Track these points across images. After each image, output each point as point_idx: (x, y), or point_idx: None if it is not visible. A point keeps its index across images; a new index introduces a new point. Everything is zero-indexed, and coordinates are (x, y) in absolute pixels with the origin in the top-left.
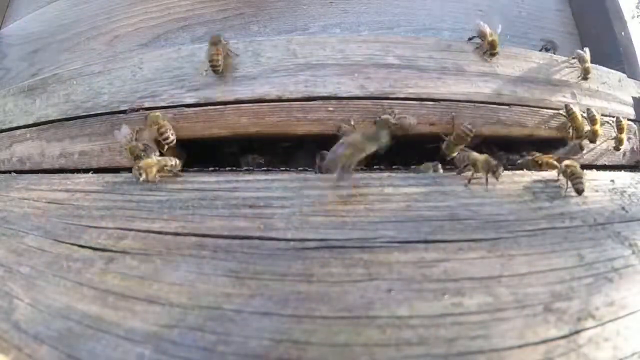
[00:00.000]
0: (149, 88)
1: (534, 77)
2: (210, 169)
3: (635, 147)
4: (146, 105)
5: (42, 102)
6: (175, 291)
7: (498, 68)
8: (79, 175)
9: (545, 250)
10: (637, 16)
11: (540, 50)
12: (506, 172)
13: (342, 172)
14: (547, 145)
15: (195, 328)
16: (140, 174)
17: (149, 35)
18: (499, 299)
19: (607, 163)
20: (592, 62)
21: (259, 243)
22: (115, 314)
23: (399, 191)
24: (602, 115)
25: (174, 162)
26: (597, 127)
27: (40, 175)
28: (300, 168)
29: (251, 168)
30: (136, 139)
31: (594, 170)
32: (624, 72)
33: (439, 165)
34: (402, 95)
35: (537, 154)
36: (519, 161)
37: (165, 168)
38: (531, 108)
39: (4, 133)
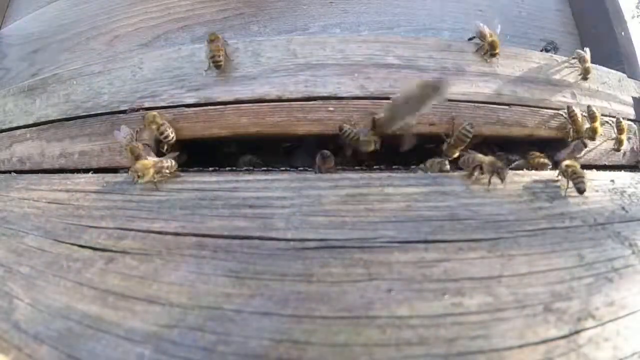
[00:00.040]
0: (149, 88)
1: (534, 77)
2: (210, 169)
3: (635, 147)
4: (146, 105)
5: (42, 102)
6: (175, 291)
7: (498, 68)
8: (79, 175)
9: (545, 250)
10: (637, 16)
11: (541, 51)
12: None
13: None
14: (547, 145)
15: (195, 328)
16: (139, 176)
17: (149, 35)
18: (499, 299)
19: (607, 163)
20: (592, 62)
21: (259, 243)
22: (115, 314)
23: (399, 191)
24: (602, 115)
25: (169, 162)
26: (597, 124)
27: (40, 175)
28: (300, 168)
29: (251, 168)
30: (136, 139)
31: (594, 170)
32: (624, 72)
33: (446, 162)
34: None
35: (537, 154)
36: (512, 165)
37: (162, 169)
38: (531, 108)
39: (4, 133)
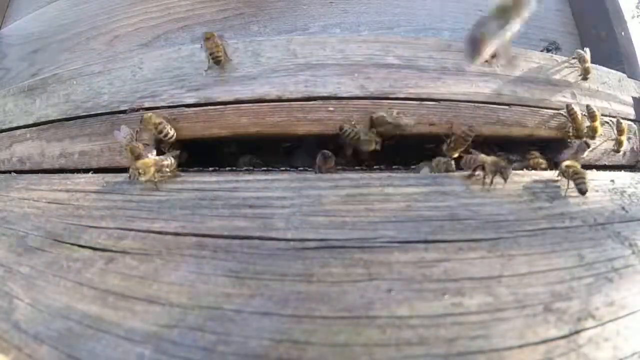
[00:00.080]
0: (149, 88)
1: (534, 77)
2: (210, 169)
3: (635, 147)
4: (146, 105)
5: (42, 102)
6: (175, 291)
7: (498, 68)
8: (79, 175)
9: (545, 250)
10: (637, 16)
11: (542, 51)
12: None
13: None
14: (547, 145)
15: (195, 328)
16: (139, 174)
17: (149, 35)
18: (499, 299)
19: (607, 163)
20: (592, 62)
21: (259, 243)
22: (115, 314)
23: (399, 191)
24: (603, 115)
25: (170, 161)
26: (597, 123)
27: (40, 175)
28: (300, 168)
29: (251, 168)
30: (136, 139)
31: (594, 170)
32: (624, 72)
33: (452, 162)
34: (402, 95)
35: (536, 154)
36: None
37: (162, 168)
38: (531, 108)
39: (4, 133)
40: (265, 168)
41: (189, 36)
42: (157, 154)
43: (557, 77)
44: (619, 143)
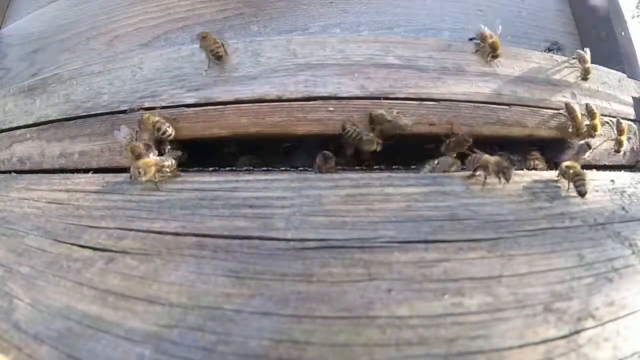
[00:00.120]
0: (149, 88)
1: (534, 77)
2: (210, 169)
3: (635, 147)
4: (146, 105)
5: (42, 102)
6: (175, 291)
7: (498, 68)
8: (79, 175)
9: (545, 250)
10: (637, 16)
11: (543, 51)
12: None
13: None
14: (547, 145)
15: (195, 328)
16: (139, 173)
17: (149, 35)
18: (499, 299)
19: (607, 163)
20: (592, 62)
21: (259, 243)
22: (115, 314)
23: (399, 191)
24: (602, 115)
25: (170, 161)
26: (596, 121)
27: (40, 175)
28: (300, 168)
29: (251, 168)
30: (136, 139)
31: (594, 170)
32: (624, 72)
33: (459, 162)
34: (402, 95)
35: (535, 154)
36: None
37: (163, 168)
38: (531, 108)
39: (4, 133)
40: (265, 168)
41: (189, 36)
42: (158, 155)
43: (557, 77)
44: (619, 143)
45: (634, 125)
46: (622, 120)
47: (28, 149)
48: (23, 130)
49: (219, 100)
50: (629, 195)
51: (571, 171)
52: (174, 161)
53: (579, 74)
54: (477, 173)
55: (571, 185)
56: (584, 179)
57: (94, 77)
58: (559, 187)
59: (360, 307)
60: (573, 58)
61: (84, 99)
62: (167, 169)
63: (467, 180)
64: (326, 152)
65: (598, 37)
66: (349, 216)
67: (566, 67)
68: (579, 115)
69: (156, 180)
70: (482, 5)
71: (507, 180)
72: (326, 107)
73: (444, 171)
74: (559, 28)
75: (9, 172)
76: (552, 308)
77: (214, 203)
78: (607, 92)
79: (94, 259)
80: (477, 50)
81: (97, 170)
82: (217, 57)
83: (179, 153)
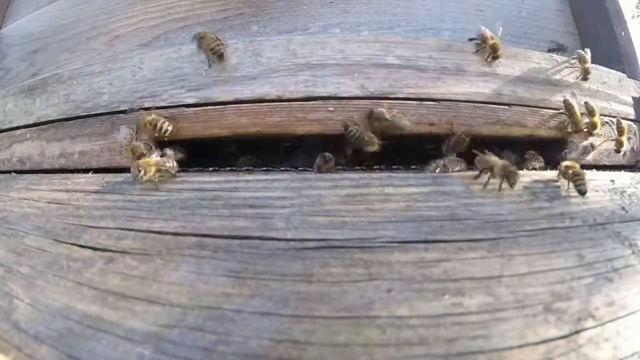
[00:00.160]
0: (149, 88)
1: (534, 77)
2: (210, 169)
3: (635, 147)
4: (146, 105)
5: (42, 102)
6: (175, 291)
7: (498, 68)
8: (79, 175)
9: (545, 250)
10: (637, 16)
11: (548, 52)
12: None
13: None
14: (547, 145)
15: (195, 328)
16: (140, 172)
17: (149, 35)
18: (499, 299)
19: (607, 163)
20: (592, 62)
21: (259, 243)
22: (115, 314)
23: (399, 191)
24: (602, 115)
25: (171, 163)
26: (596, 118)
27: (40, 175)
28: (300, 168)
29: (251, 168)
30: (136, 139)
31: (594, 170)
32: (624, 72)
33: (464, 162)
34: (402, 95)
35: (533, 153)
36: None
37: (163, 169)
38: (531, 108)
39: (4, 133)
40: (265, 168)
41: (189, 36)
42: (161, 157)
43: (557, 77)
44: (619, 143)
45: (634, 125)
46: (622, 120)
47: (28, 149)
48: (23, 130)
49: (219, 100)
50: (629, 195)
51: (570, 171)
52: (175, 163)
53: (579, 74)
54: (483, 174)
55: (571, 185)
56: (583, 178)
57: (94, 77)
58: (559, 187)
59: (360, 307)
60: (573, 58)
61: (84, 99)
62: (168, 171)
63: (467, 180)
64: (326, 153)
65: (598, 37)
66: (349, 216)
67: (566, 67)
68: (578, 112)
69: (156, 180)
70: (482, 5)
71: (512, 185)
72: (326, 107)
73: (451, 171)
74: (559, 28)
75: (9, 172)
76: (552, 308)
77: (214, 203)
78: (607, 92)
79: (94, 259)
80: (477, 51)
81: (97, 170)
82: (218, 55)
83: (182, 155)
